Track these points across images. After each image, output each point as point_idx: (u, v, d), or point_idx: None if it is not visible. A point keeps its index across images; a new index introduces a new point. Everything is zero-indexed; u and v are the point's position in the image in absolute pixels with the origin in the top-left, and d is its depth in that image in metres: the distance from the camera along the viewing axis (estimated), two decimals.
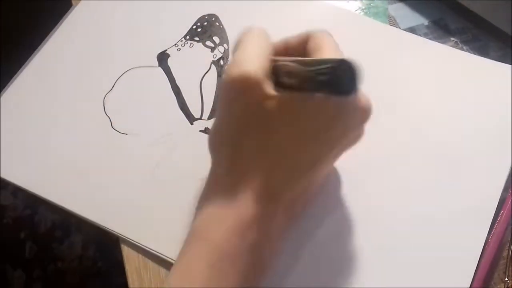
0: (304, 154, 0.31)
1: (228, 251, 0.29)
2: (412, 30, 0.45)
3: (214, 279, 0.29)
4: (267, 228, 0.31)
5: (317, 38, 0.32)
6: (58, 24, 0.46)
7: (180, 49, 0.44)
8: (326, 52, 0.31)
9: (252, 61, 0.29)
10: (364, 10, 0.47)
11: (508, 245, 0.37)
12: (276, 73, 0.30)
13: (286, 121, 0.30)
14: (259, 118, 0.30)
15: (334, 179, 0.38)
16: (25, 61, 0.45)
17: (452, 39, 0.45)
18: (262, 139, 0.30)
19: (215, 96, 0.42)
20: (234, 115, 0.31)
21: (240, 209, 0.30)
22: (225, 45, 0.44)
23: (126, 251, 0.38)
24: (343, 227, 0.37)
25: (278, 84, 0.30)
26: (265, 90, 0.29)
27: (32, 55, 0.45)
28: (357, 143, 0.34)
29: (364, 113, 0.32)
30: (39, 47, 0.45)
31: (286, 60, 0.30)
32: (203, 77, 0.43)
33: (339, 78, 0.26)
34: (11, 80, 0.44)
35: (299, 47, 0.33)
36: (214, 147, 0.33)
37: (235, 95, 0.30)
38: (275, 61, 0.30)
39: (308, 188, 0.33)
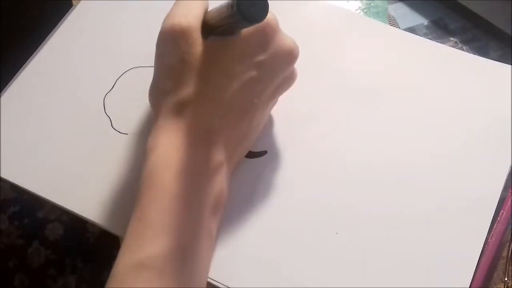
0: (238, 97, 0.33)
1: (178, 194, 0.31)
2: (412, 30, 0.45)
3: (167, 221, 0.31)
4: (210, 168, 0.33)
5: None
6: (59, 24, 0.46)
7: None
8: None
9: (184, 14, 0.32)
10: (364, 10, 0.47)
11: (508, 245, 0.37)
12: (205, 21, 0.33)
13: (215, 65, 0.32)
14: (192, 66, 0.32)
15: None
16: (25, 61, 0.44)
17: (452, 39, 0.45)
18: (198, 86, 0.32)
19: None
20: (169, 65, 0.33)
21: (185, 152, 0.32)
22: None
23: None
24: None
25: (210, 33, 0.33)
26: (195, 39, 0.32)
27: (32, 55, 0.45)
28: (290, 86, 0.36)
29: (289, 54, 0.34)
30: (39, 47, 0.45)
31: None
32: None
33: (244, 6, 0.29)
34: (11, 80, 0.44)
35: None
36: (153, 99, 0.35)
37: (168, 46, 0.33)
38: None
39: (248, 134, 0.36)
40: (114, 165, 0.40)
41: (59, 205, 0.39)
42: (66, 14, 0.47)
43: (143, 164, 0.33)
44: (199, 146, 0.32)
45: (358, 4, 0.47)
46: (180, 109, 0.33)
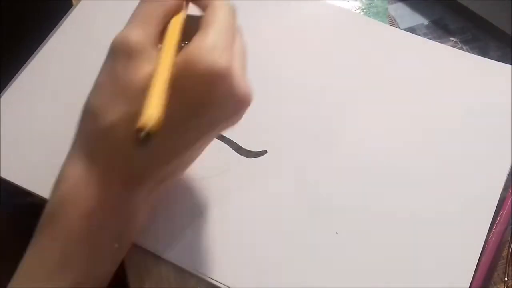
0: (169, 141, 0.29)
1: (79, 235, 0.29)
2: (412, 30, 0.45)
3: (64, 261, 0.29)
4: (122, 209, 0.31)
5: (209, 14, 0.30)
6: (59, 24, 0.46)
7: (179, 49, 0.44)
8: (210, 33, 0.28)
9: (136, 29, 0.28)
10: (364, 10, 0.47)
11: (507, 244, 0.37)
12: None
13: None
14: (125, 90, 0.28)
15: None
16: (25, 61, 0.44)
17: (452, 39, 0.45)
18: (125, 113, 0.28)
19: None
20: (105, 82, 0.30)
21: (96, 191, 0.29)
22: None
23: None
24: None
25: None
26: (141, 63, 0.28)
27: (33, 55, 0.45)
28: (231, 127, 0.32)
29: (238, 102, 0.29)
30: (39, 47, 0.45)
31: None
32: None
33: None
34: (11, 80, 0.44)
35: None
36: (82, 114, 0.31)
37: (111, 61, 0.29)
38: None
39: (175, 172, 0.33)
40: None
41: None
42: (66, 14, 0.47)
43: (51, 194, 0.31)
44: (114, 186, 0.29)
45: (358, 4, 0.47)
46: (106, 135, 0.29)
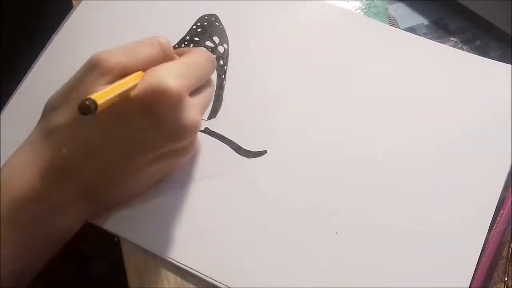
0: (106, 149, 0.32)
1: (12, 223, 0.31)
2: (412, 30, 0.45)
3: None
4: (57, 204, 0.33)
5: (185, 55, 0.35)
6: (60, 26, 0.46)
7: None
8: (175, 62, 0.34)
9: (119, 54, 0.32)
10: (364, 10, 0.47)
11: (508, 244, 0.36)
12: None
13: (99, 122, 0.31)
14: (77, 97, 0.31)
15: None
16: (27, 63, 0.44)
17: (452, 39, 0.45)
18: (73, 119, 0.32)
19: (214, 96, 0.42)
20: (68, 86, 0.33)
21: (34, 182, 0.31)
22: (225, 45, 0.44)
23: (126, 251, 0.38)
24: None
25: None
26: (103, 80, 0.31)
27: (36, 59, 0.45)
28: (183, 158, 0.36)
29: (179, 130, 0.32)
30: (42, 51, 0.45)
31: None
32: None
33: None
34: (11, 81, 0.44)
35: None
36: (44, 107, 0.34)
37: (83, 71, 0.33)
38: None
39: (118, 185, 0.35)
40: None
41: None
42: (67, 15, 0.47)
43: None
44: (51, 179, 0.32)
45: (358, 4, 0.47)
46: (50, 133, 0.32)
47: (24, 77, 0.44)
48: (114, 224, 0.38)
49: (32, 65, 0.44)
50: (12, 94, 0.43)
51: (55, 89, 0.43)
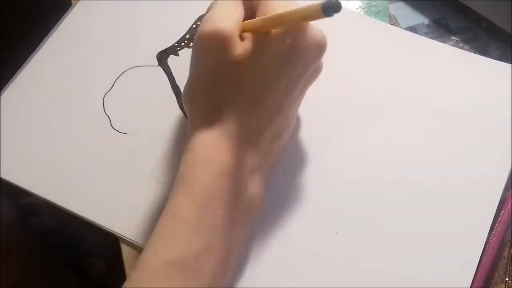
0: (272, 95, 0.33)
1: (214, 193, 0.32)
2: (412, 29, 0.45)
3: (202, 220, 0.31)
4: (247, 170, 0.33)
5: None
6: (58, 24, 0.46)
7: (179, 48, 0.44)
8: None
9: (224, 19, 0.32)
10: (365, 9, 0.47)
11: (508, 245, 0.36)
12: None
13: (252, 66, 0.32)
14: (230, 69, 0.32)
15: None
16: (25, 61, 0.44)
17: (452, 38, 0.45)
18: (234, 87, 0.32)
19: None
20: (207, 69, 0.33)
21: (222, 153, 0.32)
22: None
23: (126, 251, 0.38)
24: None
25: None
26: (233, 42, 0.31)
27: (32, 54, 0.44)
28: (317, 77, 0.36)
29: (318, 46, 0.33)
30: (38, 46, 0.45)
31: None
32: None
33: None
34: (11, 80, 0.44)
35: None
36: (190, 100, 0.34)
37: (208, 50, 0.32)
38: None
39: (281, 131, 0.36)
40: (114, 164, 0.40)
41: (58, 205, 0.39)
42: (65, 14, 0.46)
43: (180, 162, 0.33)
44: (236, 148, 0.33)
45: (359, 3, 0.47)
46: (217, 111, 0.33)
47: (16, 74, 0.44)
48: (114, 224, 0.37)
49: (25, 63, 0.44)
50: (2, 92, 0.43)
51: (47, 87, 0.43)
